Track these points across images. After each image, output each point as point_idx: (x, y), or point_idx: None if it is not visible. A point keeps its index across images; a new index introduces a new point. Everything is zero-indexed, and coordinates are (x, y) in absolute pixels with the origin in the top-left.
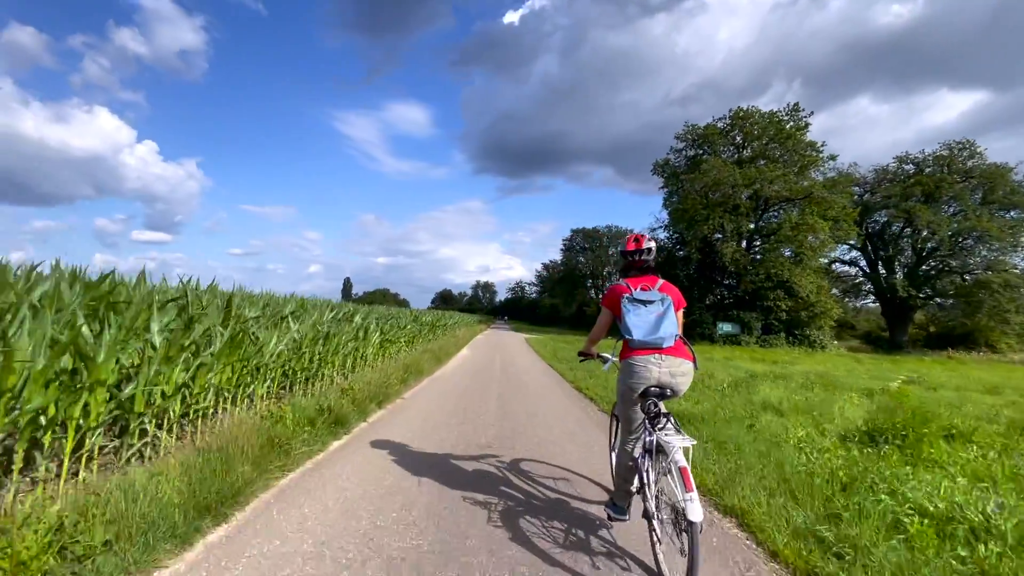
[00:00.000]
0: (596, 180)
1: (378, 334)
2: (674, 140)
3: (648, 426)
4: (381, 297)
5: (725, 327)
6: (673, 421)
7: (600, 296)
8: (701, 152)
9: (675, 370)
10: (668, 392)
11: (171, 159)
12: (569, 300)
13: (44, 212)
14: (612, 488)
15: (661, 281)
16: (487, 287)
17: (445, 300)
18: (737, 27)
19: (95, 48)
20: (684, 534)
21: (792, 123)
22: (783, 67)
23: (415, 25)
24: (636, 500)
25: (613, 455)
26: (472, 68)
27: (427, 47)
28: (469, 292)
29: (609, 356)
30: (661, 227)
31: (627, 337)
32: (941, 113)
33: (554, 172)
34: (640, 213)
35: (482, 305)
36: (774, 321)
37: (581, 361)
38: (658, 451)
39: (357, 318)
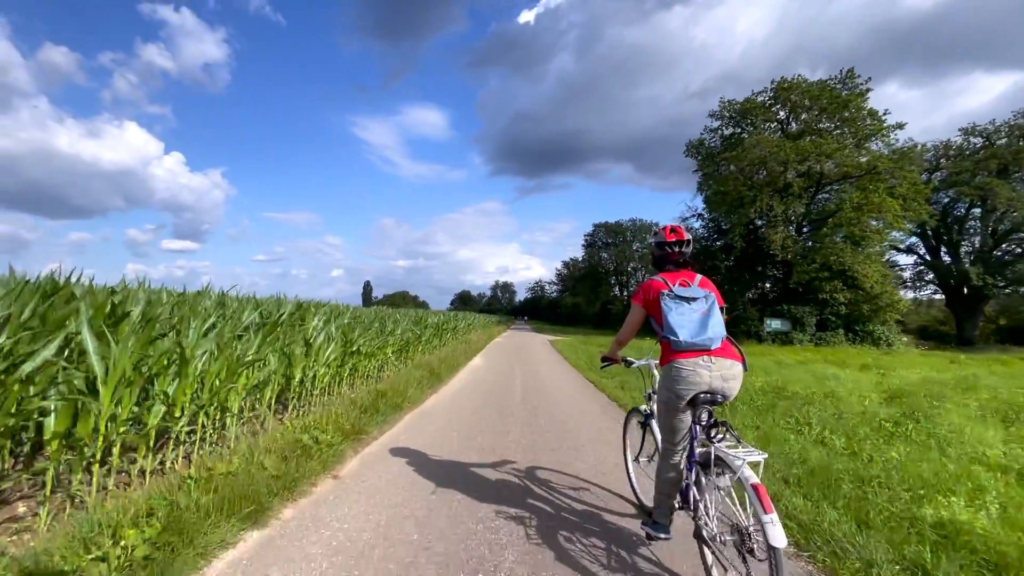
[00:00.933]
0: (614, 177)
1: (334, 346)
2: (708, 119)
3: (700, 437)
4: (401, 299)
5: (774, 323)
6: (732, 431)
7: (626, 293)
8: (739, 130)
9: (726, 373)
10: (719, 398)
11: (197, 169)
12: (592, 298)
13: (79, 224)
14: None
15: (700, 276)
16: (506, 287)
17: (464, 301)
18: (756, 17)
19: (124, 64)
20: (750, 557)
21: (846, 91)
22: (805, 55)
23: (431, 29)
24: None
25: (630, 467)
26: (488, 69)
27: (443, 50)
28: (488, 293)
29: (636, 360)
30: (694, 216)
31: (671, 339)
32: (975, 97)
33: (572, 171)
34: (660, 209)
35: (501, 305)
36: (830, 316)
37: (603, 367)
38: (715, 465)
39: (315, 320)
